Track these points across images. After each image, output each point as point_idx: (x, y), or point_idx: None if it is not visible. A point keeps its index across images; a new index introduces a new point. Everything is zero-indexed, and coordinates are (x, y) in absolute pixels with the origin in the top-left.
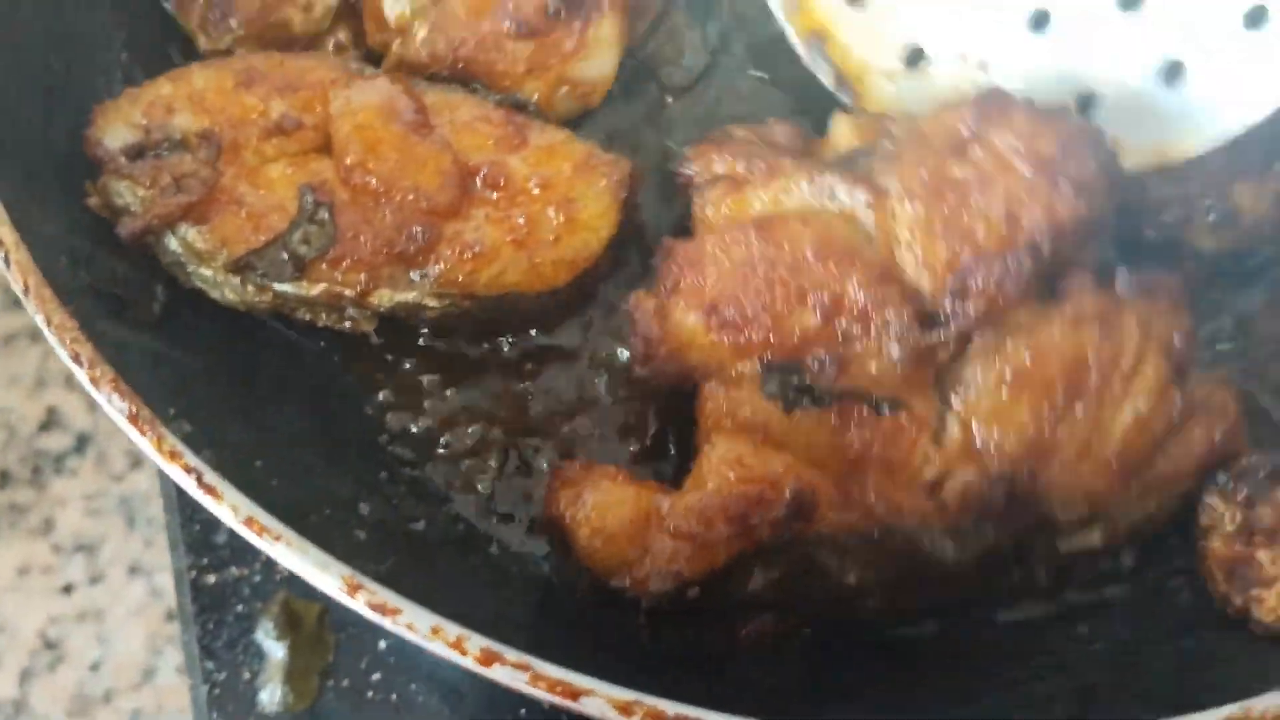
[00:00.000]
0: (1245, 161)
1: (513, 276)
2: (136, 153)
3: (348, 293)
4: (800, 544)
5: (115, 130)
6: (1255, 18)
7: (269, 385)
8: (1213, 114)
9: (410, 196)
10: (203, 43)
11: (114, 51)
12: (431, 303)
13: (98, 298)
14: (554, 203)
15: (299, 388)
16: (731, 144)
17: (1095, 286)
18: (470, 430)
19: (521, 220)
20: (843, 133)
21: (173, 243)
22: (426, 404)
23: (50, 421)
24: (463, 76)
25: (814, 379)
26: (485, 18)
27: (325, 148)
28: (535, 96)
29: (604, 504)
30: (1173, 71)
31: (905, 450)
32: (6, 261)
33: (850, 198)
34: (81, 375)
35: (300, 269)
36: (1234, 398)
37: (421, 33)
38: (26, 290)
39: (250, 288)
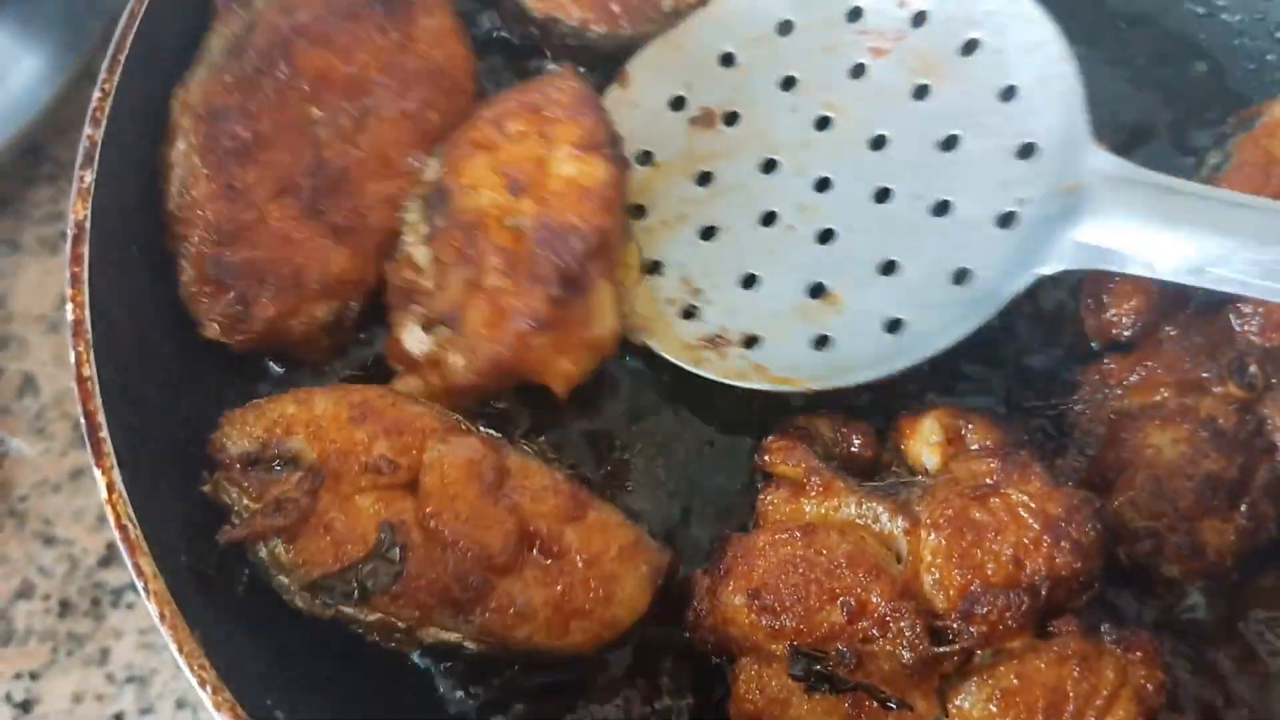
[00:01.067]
0: (1213, 501)
1: (542, 637)
2: (252, 461)
3: (400, 624)
4: None
5: (238, 439)
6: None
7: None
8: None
9: (474, 551)
10: (211, 332)
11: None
12: (470, 645)
13: (192, 575)
14: (596, 578)
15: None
16: (801, 450)
17: (1082, 632)
18: None
19: (561, 588)
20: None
21: (262, 550)
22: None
23: (111, 556)
24: (507, 378)
25: (834, 668)
26: (504, 327)
27: (412, 486)
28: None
29: None
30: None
31: None
32: (146, 591)
33: (891, 522)
34: (205, 697)
35: (365, 598)
36: None
37: (459, 361)
38: (162, 618)
39: (317, 602)
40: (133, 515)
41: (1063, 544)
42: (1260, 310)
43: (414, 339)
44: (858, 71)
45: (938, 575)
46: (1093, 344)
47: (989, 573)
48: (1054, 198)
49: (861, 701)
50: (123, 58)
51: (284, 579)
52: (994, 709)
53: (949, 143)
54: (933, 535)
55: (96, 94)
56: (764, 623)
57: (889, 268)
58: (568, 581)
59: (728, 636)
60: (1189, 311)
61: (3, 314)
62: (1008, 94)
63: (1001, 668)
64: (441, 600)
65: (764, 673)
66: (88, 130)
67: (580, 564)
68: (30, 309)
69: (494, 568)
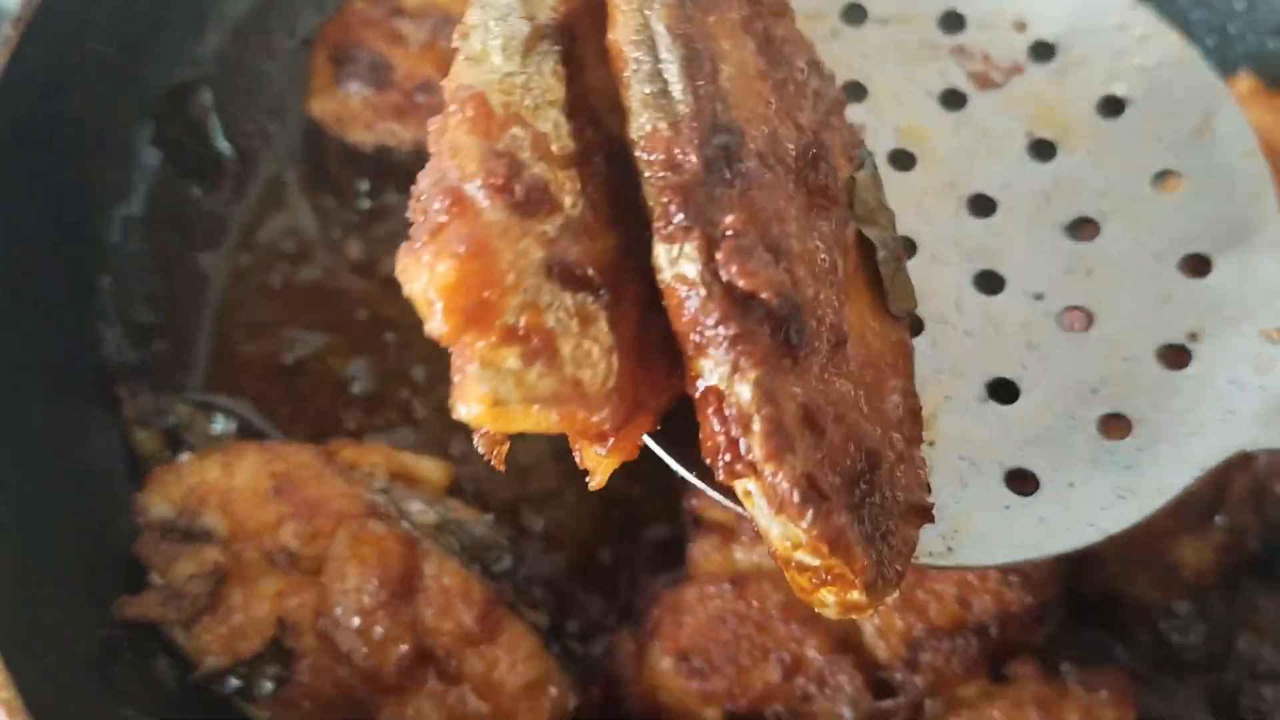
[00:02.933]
0: (1185, 516)
1: None
2: (169, 528)
3: None
4: None
5: (158, 502)
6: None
7: None
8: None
9: (365, 667)
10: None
11: None
12: None
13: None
14: (494, 713)
15: None
16: None
17: (1040, 673)
18: None
19: (460, 711)
20: None
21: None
22: None
23: None
24: None
25: None
26: None
27: (320, 571)
28: None
29: None
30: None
31: None
32: None
33: None
34: None
35: (248, 699)
36: None
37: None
38: None
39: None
40: None
41: (1010, 577)
42: None
43: None
44: (952, 100)
45: (878, 621)
46: None
47: (932, 615)
48: (1241, 339)
49: None
50: None
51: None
52: None
53: (1079, 228)
54: None
55: None
56: (695, 686)
57: (1002, 391)
58: (461, 712)
59: (657, 704)
60: None
61: None
62: (1162, 178)
63: (953, 719)
64: (326, 711)
65: None
66: None
67: (477, 696)
68: None
69: (384, 687)
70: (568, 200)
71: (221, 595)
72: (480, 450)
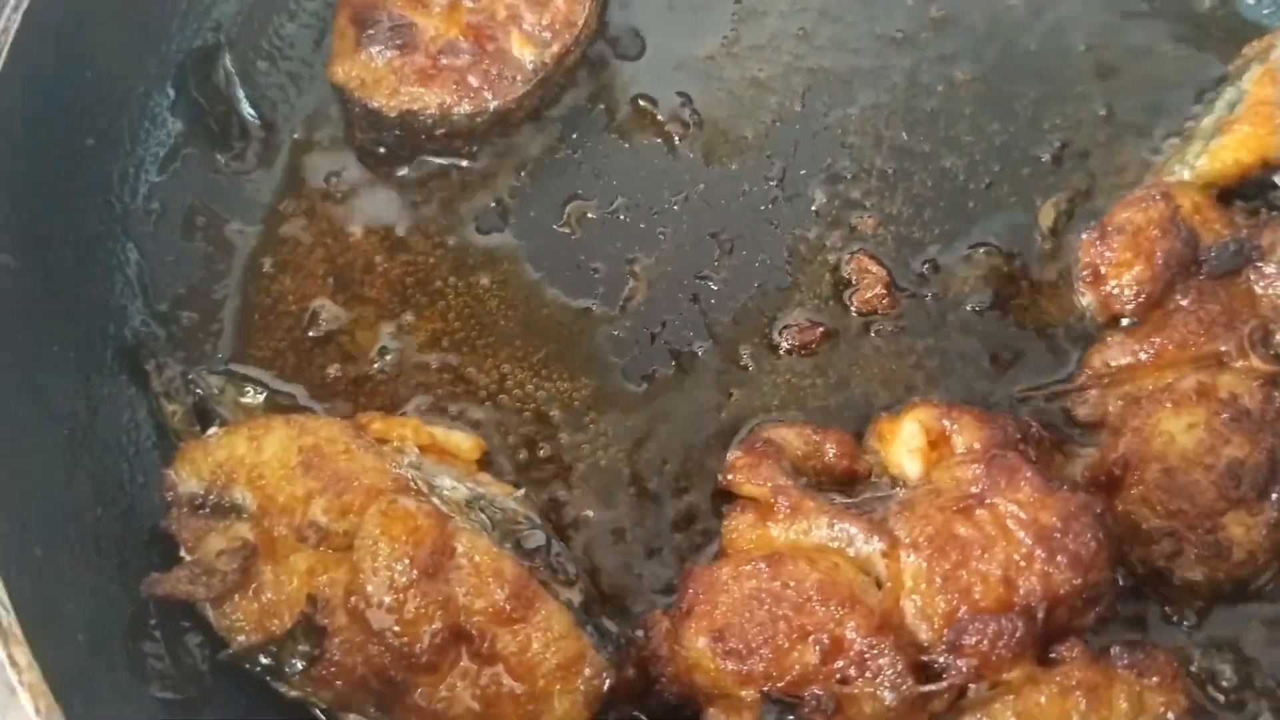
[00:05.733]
0: (1238, 492)
1: None
2: (198, 505)
3: (320, 707)
4: None
5: (187, 478)
6: None
7: None
8: None
9: (397, 646)
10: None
11: None
12: None
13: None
14: (527, 695)
15: None
16: (768, 466)
17: (1089, 657)
18: None
19: (487, 699)
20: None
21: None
22: None
23: None
24: None
25: (811, 715)
26: None
27: (350, 548)
28: None
29: None
30: None
31: None
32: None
33: (867, 544)
34: None
35: (280, 677)
36: None
37: None
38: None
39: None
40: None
41: (1059, 558)
42: None
43: None
44: None
45: (920, 602)
46: (1094, 320)
47: (977, 597)
48: None
49: None
50: None
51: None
52: None
53: None
54: (913, 557)
55: None
56: (731, 667)
57: None
58: (494, 693)
59: (693, 685)
60: (1201, 278)
61: None
62: None
63: (998, 704)
64: (358, 689)
65: None
66: None
67: (511, 677)
68: None
69: (416, 667)
70: None
71: (252, 572)
72: None
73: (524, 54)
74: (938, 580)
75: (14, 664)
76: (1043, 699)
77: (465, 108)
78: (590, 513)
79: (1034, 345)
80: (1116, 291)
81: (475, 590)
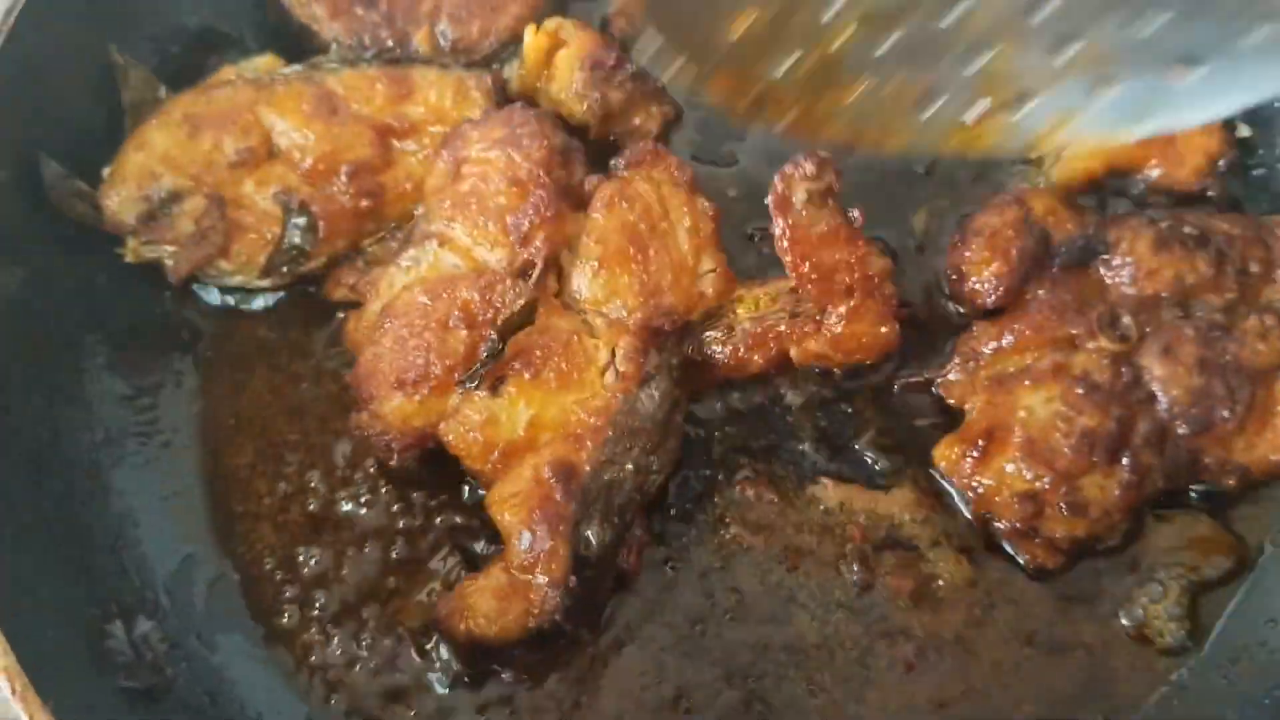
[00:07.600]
0: (1092, 456)
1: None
2: (150, 217)
3: (346, 252)
4: None
5: (125, 205)
6: None
7: None
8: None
9: (350, 167)
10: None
11: None
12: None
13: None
14: (440, 122)
15: None
16: None
17: (604, 178)
18: None
19: (425, 153)
20: None
21: (212, 269)
22: None
23: None
24: None
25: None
26: None
27: (273, 153)
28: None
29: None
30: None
31: (578, 353)
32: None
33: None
34: None
35: (304, 255)
36: None
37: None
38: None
39: (275, 279)
40: None
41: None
42: (1130, 260)
43: None
44: None
45: (476, 236)
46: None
47: (504, 204)
48: None
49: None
50: None
51: (241, 278)
52: (603, 276)
53: None
54: (458, 225)
55: None
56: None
57: None
58: (432, 143)
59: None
60: (1054, 270)
61: None
62: None
63: (579, 246)
64: (355, 216)
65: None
66: None
67: (433, 128)
68: None
69: (374, 170)
70: None
71: (230, 218)
72: None
73: None
74: (480, 221)
75: None
76: (602, 220)
77: None
78: None
79: (909, 337)
80: (979, 286)
81: (365, 99)
